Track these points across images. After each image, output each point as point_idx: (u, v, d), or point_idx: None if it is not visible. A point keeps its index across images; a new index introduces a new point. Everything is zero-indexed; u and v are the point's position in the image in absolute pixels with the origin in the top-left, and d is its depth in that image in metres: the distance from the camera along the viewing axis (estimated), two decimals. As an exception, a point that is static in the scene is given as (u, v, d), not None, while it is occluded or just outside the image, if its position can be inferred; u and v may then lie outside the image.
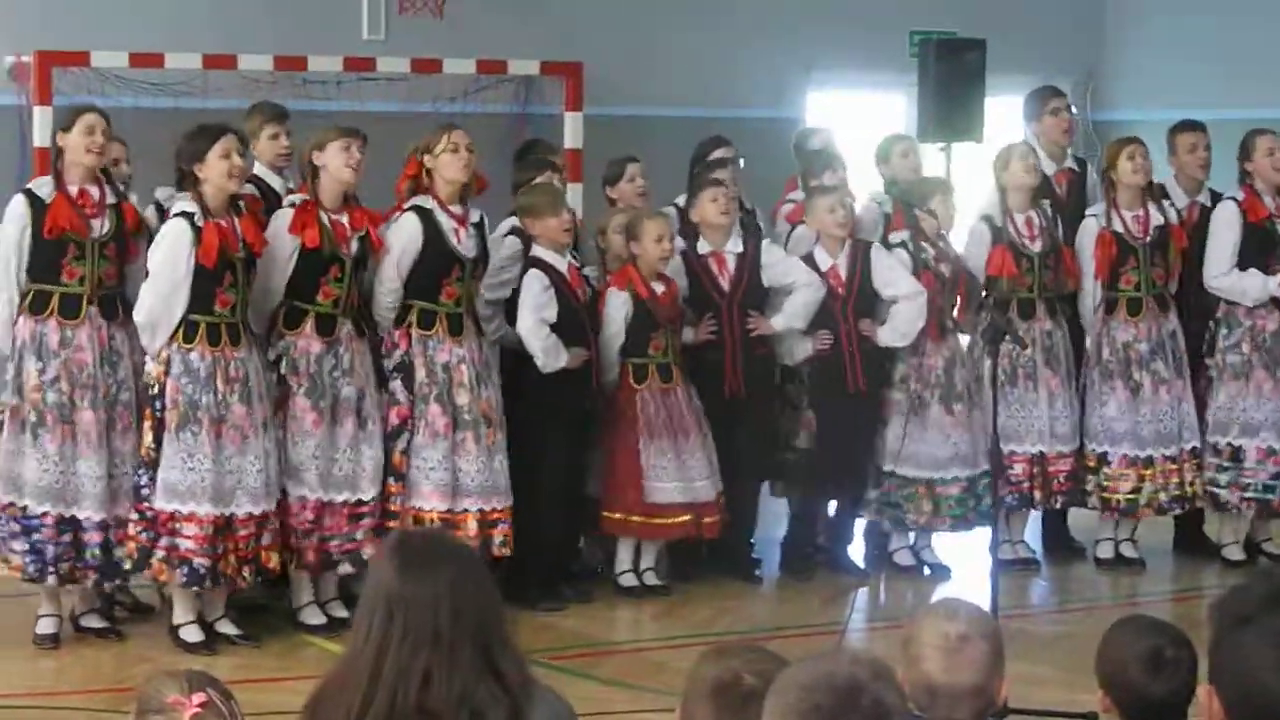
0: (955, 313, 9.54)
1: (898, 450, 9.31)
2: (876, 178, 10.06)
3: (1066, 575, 9.75)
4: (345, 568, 8.34)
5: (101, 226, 8.02)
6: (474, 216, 8.59)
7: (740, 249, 9.25)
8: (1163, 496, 9.64)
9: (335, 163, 8.21)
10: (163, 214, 8.26)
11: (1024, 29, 13.57)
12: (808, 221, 9.46)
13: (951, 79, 10.30)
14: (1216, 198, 9.81)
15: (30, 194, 8.06)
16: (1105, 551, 9.80)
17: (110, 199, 8.07)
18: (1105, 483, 9.63)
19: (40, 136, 10.40)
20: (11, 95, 11.24)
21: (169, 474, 7.87)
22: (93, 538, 7.98)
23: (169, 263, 7.86)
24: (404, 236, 8.42)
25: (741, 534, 9.44)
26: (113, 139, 8.31)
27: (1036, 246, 9.55)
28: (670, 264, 9.07)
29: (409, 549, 3.47)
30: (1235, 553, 9.81)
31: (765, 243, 9.42)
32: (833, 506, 9.71)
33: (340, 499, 8.28)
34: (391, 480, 8.40)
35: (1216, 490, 9.69)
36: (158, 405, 7.91)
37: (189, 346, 7.89)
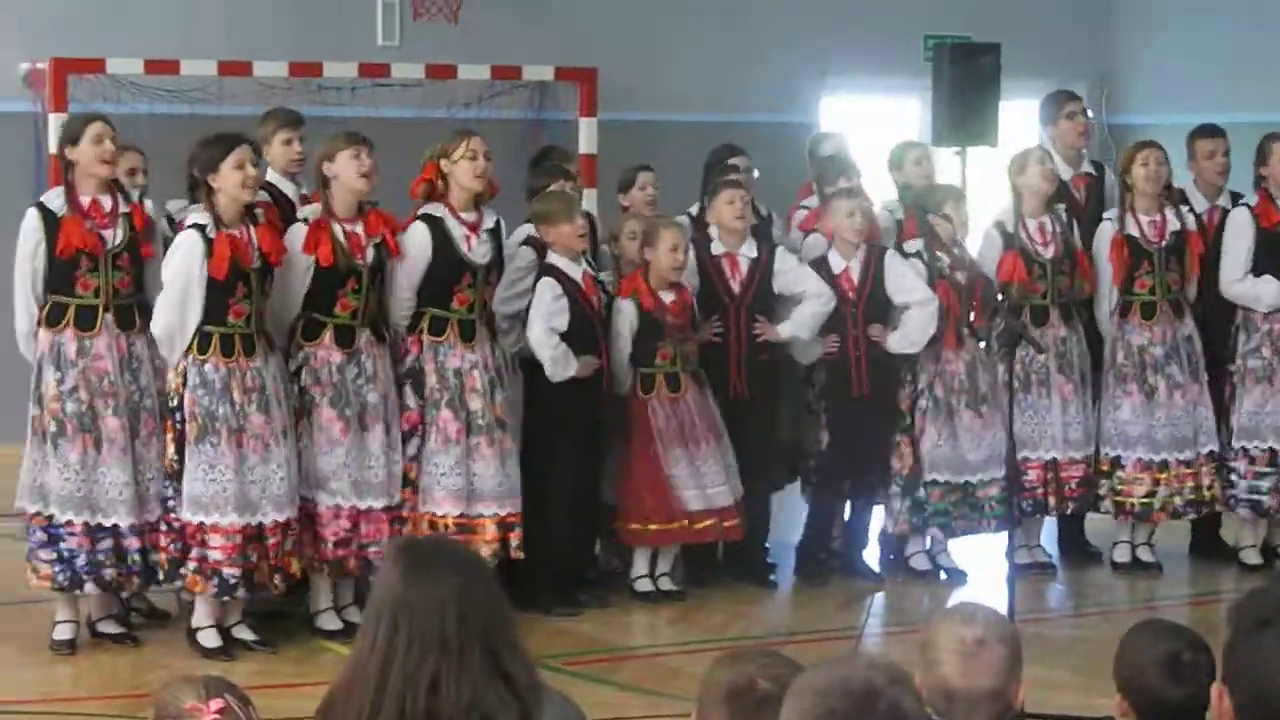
0: (972, 318, 9.52)
1: (935, 459, 9.28)
2: (889, 184, 10.05)
3: (1083, 579, 9.72)
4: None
5: (114, 237, 8.01)
6: (489, 222, 8.58)
7: (755, 254, 9.25)
8: (1177, 501, 9.61)
9: (347, 172, 8.20)
10: (174, 226, 8.27)
11: (1038, 33, 13.59)
12: (823, 223, 9.44)
13: (966, 83, 10.27)
14: (1238, 201, 9.78)
15: (43, 208, 8.04)
16: (1122, 555, 9.77)
17: (123, 208, 8.06)
18: (1119, 487, 9.60)
19: (55, 143, 10.40)
20: (27, 102, 11.28)
21: (193, 486, 7.88)
22: (131, 544, 8.00)
23: (181, 275, 7.86)
24: (414, 247, 8.42)
25: (756, 539, 9.43)
26: (129, 148, 8.31)
27: (1049, 252, 9.52)
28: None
29: (413, 555, 3.47)
30: (1253, 556, 9.77)
31: (780, 250, 9.40)
32: (848, 511, 9.70)
33: (380, 505, 8.29)
34: (403, 487, 8.42)
35: (1258, 497, 9.62)
36: (177, 417, 7.92)
37: (203, 358, 7.88)
